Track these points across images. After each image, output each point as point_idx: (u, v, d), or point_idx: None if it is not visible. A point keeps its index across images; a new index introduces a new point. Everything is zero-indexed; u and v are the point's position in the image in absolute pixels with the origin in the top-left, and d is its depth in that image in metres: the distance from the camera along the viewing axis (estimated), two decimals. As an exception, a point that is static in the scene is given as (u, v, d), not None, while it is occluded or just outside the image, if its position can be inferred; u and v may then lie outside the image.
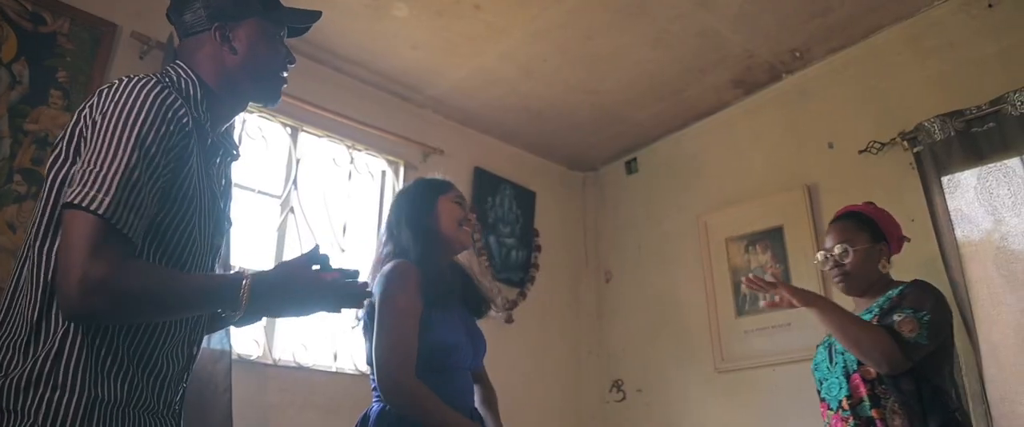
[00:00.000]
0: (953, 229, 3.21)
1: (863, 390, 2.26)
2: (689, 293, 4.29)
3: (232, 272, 1.48)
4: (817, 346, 2.54)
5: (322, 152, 3.93)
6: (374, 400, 2.11)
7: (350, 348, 3.69)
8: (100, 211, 1.26)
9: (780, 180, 4.03)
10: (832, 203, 3.77)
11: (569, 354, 4.66)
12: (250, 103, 1.71)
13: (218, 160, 1.63)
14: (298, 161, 3.76)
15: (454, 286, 2.23)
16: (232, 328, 2.88)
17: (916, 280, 2.38)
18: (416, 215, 2.23)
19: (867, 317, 2.33)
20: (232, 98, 1.64)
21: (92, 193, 1.27)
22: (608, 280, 4.83)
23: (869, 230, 2.46)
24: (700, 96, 4.31)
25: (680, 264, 4.42)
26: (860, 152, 3.65)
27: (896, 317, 2.23)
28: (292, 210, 3.64)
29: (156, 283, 1.30)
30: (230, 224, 1.69)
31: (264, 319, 1.98)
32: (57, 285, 1.27)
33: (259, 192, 3.59)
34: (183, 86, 1.52)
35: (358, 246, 3.90)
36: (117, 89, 1.39)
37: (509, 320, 4.26)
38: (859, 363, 2.28)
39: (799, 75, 4.06)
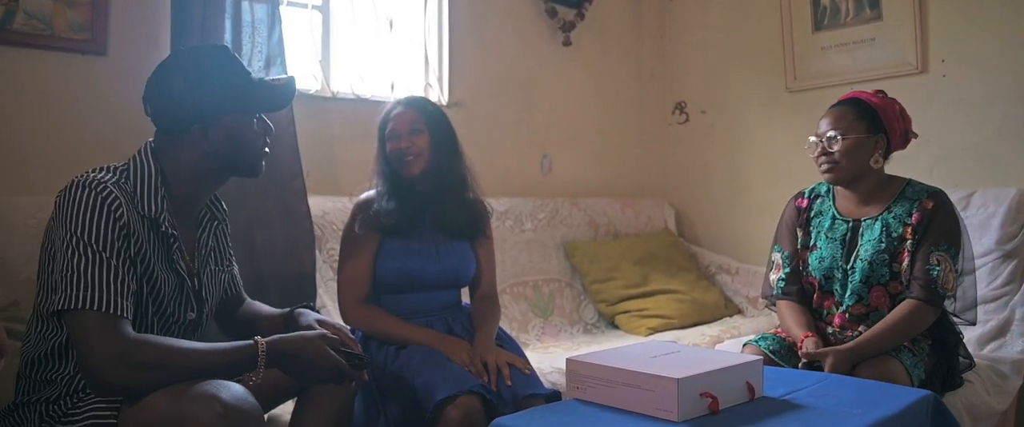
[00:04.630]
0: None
1: (885, 304, 2.30)
2: (761, 7, 4.01)
3: (246, 342, 1.60)
4: (812, 232, 2.47)
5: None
6: None
7: (407, 78, 3.58)
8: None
9: None
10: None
11: (630, 76, 4.48)
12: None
13: (200, 232, 1.82)
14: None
15: (417, 214, 2.33)
16: (289, 63, 2.80)
17: (939, 195, 2.32)
18: (378, 150, 2.37)
19: (878, 226, 2.32)
20: (214, 181, 1.79)
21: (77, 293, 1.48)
22: (672, -4, 4.54)
23: (867, 120, 2.33)
24: None
25: (753, -24, 4.10)
26: None
27: (935, 262, 2.21)
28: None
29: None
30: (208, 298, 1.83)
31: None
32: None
33: (289, 4, 3.17)
34: (142, 181, 1.66)
35: (406, 45, 3.63)
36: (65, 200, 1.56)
37: (567, 43, 4.06)
38: (890, 277, 2.29)
39: None
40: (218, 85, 1.71)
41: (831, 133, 2.32)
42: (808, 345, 2.23)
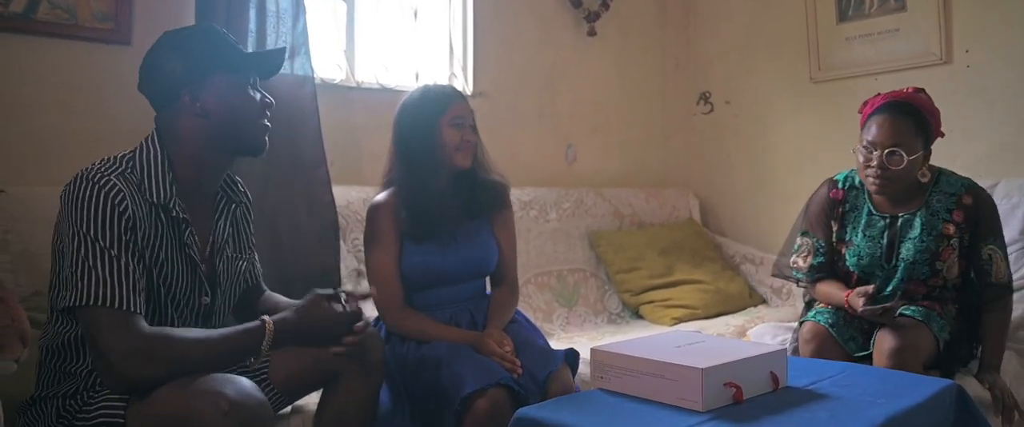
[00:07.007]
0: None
1: (920, 291, 2.31)
2: (786, -3, 4.00)
3: (254, 323, 1.63)
4: (847, 226, 2.42)
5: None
6: None
7: (431, 68, 3.59)
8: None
9: None
10: None
11: (655, 66, 4.47)
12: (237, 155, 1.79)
13: (216, 217, 1.79)
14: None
15: (445, 208, 2.27)
16: (313, 52, 2.80)
17: (974, 188, 2.32)
18: (414, 140, 2.25)
19: (918, 223, 2.29)
20: (217, 157, 1.73)
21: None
22: (696, -14, 4.52)
23: (924, 135, 2.25)
24: None
25: (778, -35, 4.06)
26: None
27: (986, 257, 2.26)
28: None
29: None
30: (228, 279, 1.83)
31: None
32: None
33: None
34: (149, 167, 1.64)
35: (430, 34, 3.63)
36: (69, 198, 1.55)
37: (591, 33, 4.05)
38: (931, 274, 2.28)
39: None
40: (201, 47, 1.69)
41: (898, 152, 2.20)
42: (853, 299, 2.21)
